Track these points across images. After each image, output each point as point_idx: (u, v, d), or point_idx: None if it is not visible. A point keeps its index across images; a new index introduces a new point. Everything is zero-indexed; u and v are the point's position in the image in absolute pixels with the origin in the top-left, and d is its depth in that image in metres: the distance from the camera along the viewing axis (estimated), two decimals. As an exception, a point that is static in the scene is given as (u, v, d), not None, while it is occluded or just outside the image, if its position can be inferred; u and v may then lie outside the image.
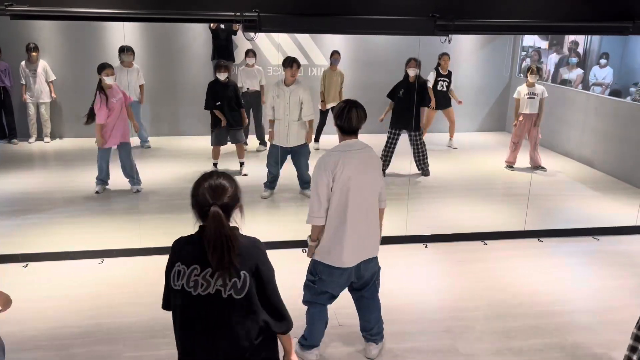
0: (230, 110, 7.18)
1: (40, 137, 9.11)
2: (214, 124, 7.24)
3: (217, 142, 7.34)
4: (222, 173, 2.29)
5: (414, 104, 7.04)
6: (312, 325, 3.56)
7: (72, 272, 4.77)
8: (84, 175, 6.76)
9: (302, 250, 5.14)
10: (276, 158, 6.45)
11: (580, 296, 4.55)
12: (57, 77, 9.07)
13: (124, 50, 8.28)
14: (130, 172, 6.64)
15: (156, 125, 9.38)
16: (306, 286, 3.54)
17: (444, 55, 8.78)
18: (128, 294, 4.42)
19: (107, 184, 6.75)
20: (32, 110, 8.94)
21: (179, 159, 8.32)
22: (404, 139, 7.61)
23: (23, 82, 8.81)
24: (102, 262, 4.96)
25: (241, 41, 9.34)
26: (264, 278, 2.24)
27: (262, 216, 6.11)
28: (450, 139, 9.37)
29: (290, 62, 6.25)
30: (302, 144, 6.40)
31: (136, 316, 4.10)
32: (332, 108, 8.66)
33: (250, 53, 8.55)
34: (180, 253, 2.25)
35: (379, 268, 3.59)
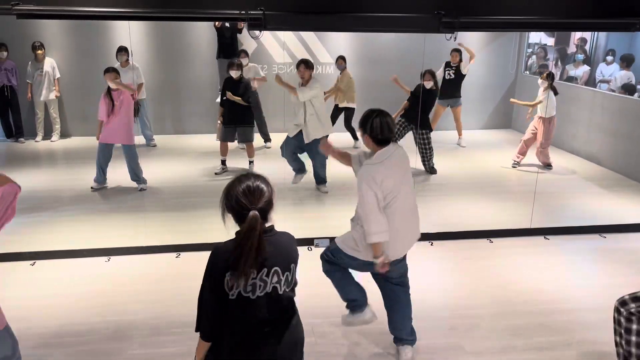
0: (237, 106, 7.18)
1: (47, 136, 9.15)
2: (224, 115, 7.28)
3: (224, 137, 7.35)
4: (259, 175, 2.25)
5: (422, 106, 7.23)
6: (343, 287, 3.56)
7: (79, 270, 4.80)
8: (91, 174, 6.78)
9: (308, 248, 5.16)
10: (291, 151, 6.54)
11: (586, 294, 4.53)
12: (63, 76, 9.11)
13: (120, 51, 8.38)
14: (136, 174, 6.68)
15: (160, 123, 9.41)
16: (324, 259, 3.58)
17: (453, 52, 8.78)
18: (134, 292, 4.44)
19: (104, 183, 6.79)
20: (39, 109, 8.99)
21: (183, 157, 8.34)
22: (408, 137, 7.61)
23: (30, 81, 8.85)
24: (108, 259, 4.99)
25: (246, 39, 9.34)
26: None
27: (286, 214, 6.11)
28: (459, 137, 9.34)
29: (297, 64, 6.44)
30: (317, 139, 6.45)
31: (142, 313, 4.12)
32: (346, 109, 8.66)
33: (242, 53, 8.52)
34: (228, 262, 2.13)
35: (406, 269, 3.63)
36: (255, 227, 2.09)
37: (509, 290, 4.57)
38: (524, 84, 10.32)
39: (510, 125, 10.55)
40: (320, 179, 6.75)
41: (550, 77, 7.60)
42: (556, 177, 7.68)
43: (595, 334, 3.96)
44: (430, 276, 4.81)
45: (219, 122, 7.31)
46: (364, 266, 3.42)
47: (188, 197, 6.64)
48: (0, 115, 8.91)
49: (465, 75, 8.96)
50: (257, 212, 2.11)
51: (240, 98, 7.10)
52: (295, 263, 2.28)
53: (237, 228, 2.18)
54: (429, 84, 7.35)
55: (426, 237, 5.50)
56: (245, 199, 2.13)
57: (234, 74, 7.13)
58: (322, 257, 3.58)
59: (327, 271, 3.57)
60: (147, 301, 4.29)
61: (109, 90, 6.40)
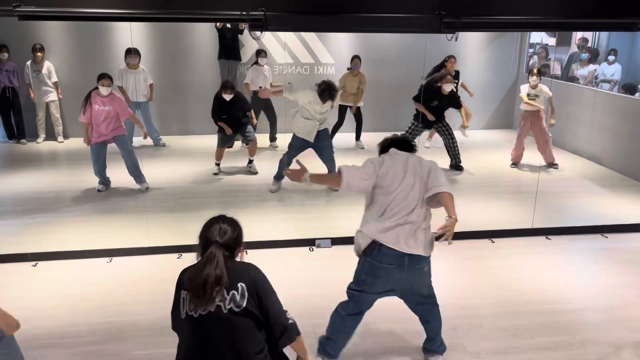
0: (237, 124, 7.29)
1: (48, 137, 9.17)
2: (220, 129, 7.32)
3: (222, 143, 7.41)
4: (229, 218, 2.50)
5: (442, 114, 7.40)
6: (339, 331, 3.45)
7: (81, 271, 4.81)
8: (92, 175, 6.79)
9: (309, 249, 5.15)
10: (299, 150, 6.57)
11: (588, 294, 4.52)
12: (64, 78, 9.12)
13: (130, 53, 8.35)
14: (134, 170, 6.68)
15: (163, 124, 9.42)
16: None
17: (450, 58, 8.70)
18: (136, 293, 4.44)
19: (107, 183, 6.80)
20: (41, 110, 9.01)
21: (185, 157, 8.35)
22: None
23: (28, 81, 8.87)
24: (110, 260, 4.99)
25: (247, 40, 9.35)
26: (260, 292, 2.33)
27: (270, 215, 6.12)
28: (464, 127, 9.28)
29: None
30: (325, 138, 6.62)
31: (144, 314, 4.13)
32: (351, 108, 8.67)
33: (262, 53, 8.57)
34: (182, 281, 2.36)
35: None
36: (215, 254, 2.28)
37: (511, 290, 4.56)
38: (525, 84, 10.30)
39: (511, 125, 10.54)
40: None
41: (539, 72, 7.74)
42: (558, 177, 7.67)
43: (597, 334, 3.95)
44: (432, 276, 4.80)
45: (219, 124, 7.32)
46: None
47: (190, 197, 6.65)
48: (1, 116, 8.93)
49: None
50: (219, 247, 2.32)
51: (226, 126, 7.19)
52: (249, 285, 2.30)
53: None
54: (449, 87, 7.33)
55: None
56: (213, 234, 2.39)
57: (227, 97, 7.15)
58: (348, 294, 3.43)
59: (344, 315, 3.41)
60: (149, 302, 4.29)
61: (92, 92, 6.34)
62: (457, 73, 8.87)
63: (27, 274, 4.76)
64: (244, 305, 2.24)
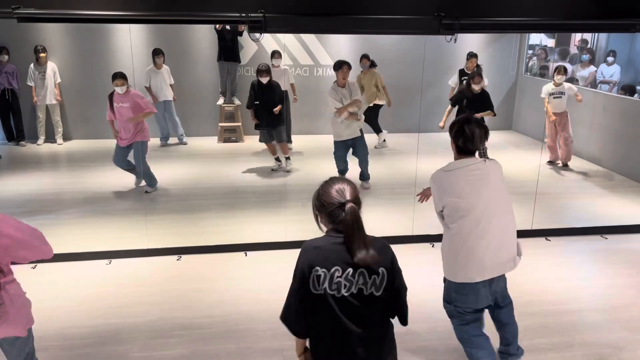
0: (269, 113, 7.30)
1: (48, 139, 9.17)
2: (256, 125, 7.44)
3: (265, 140, 7.52)
4: (344, 178, 2.36)
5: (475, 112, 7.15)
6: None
7: (81, 273, 4.80)
8: (92, 177, 6.80)
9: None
10: (342, 152, 6.73)
11: (588, 295, 4.52)
12: (65, 79, 9.13)
13: (157, 53, 8.63)
14: (140, 171, 6.70)
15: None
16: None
17: (472, 58, 8.63)
18: (136, 294, 4.44)
19: (136, 176, 6.87)
20: (41, 112, 9.01)
21: (185, 159, 8.35)
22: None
23: (31, 84, 8.87)
24: (109, 262, 4.99)
25: (247, 42, 9.36)
26: (396, 276, 2.35)
27: (272, 216, 6.12)
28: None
29: (340, 65, 6.49)
30: (359, 136, 6.69)
31: (144, 316, 4.12)
32: (369, 107, 8.68)
33: (276, 54, 8.60)
34: (317, 258, 2.23)
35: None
36: (358, 216, 2.20)
37: (511, 291, 4.53)
38: (524, 85, 10.32)
39: (511, 126, 10.55)
40: (365, 175, 6.94)
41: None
42: (557, 178, 7.68)
43: (597, 335, 3.95)
44: (432, 277, 4.80)
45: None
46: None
47: (189, 199, 6.65)
48: (1, 118, 8.93)
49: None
50: (353, 204, 2.21)
51: (254, 115, 7.26)
52: (388, 268, 2.29)
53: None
54: (478, 87, 7.07)
55: (427, 238, 5.50)
56: (338, 196, 2.24)
57: (264, 80, 7.19)
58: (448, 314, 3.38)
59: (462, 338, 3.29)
60: (149, 304, 4.29)
61: (112, 93, 6.39)
62: (479, 67, 8.64)
63: (26, 276, 4.73)
64: (382, 289, 2.27)
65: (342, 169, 6.84)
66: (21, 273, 4.75)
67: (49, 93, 8.92)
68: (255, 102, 7.25)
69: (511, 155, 8.23)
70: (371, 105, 8.68)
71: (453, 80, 8.87)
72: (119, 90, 6.31)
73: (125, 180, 6.84)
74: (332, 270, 2.20)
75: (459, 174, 3.13)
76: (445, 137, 9.68)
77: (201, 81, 9.54)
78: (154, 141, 8.88)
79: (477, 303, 3.22)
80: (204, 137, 9.41)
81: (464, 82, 7.35)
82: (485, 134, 3.16)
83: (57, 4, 4.18)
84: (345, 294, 2.20)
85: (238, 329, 3.94)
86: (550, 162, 8.14)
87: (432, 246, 5.39)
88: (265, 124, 7.36)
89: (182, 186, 7.10)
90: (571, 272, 4.94)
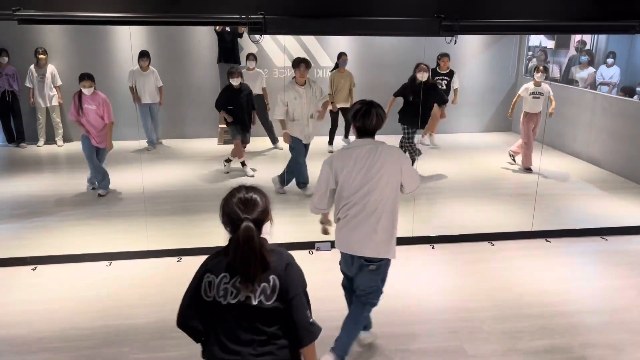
0: (243, 114, 7.29)
1: (48, 141, 9.17)
2: (230, 123, 7.35)
3: (237, 134, 7.38)
4: (252, 187, 2.26)
5: (420, 106, 7.02)
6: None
7: (81, 275, 4.80)
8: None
9: (309, 252, 5.15)
10: (302, 152, 6.56)
11: (588, 296, 4.52)
12: (65, 81, 9.13)
13: (143, 56, 8.52)
14: (96, 173, 6.68)
15: (162, 128, 9.42)
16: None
17: (443, 57, 8.70)
18: (136, 296, 4.44)
19: (95, 183, 6.82)
20: (41, 114, 9.01)
21: (184, 161, 8.35)
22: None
23: (30, 85, 8.88)
24: (110, 264, 4.99)
25: (247, 44, 9.37)
26: (291, 289, 2.18)
27: (287, 217, 6.11)
28: (429, 134, 9.21)
29: (297, 63, 6.31)
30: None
31: (144, 318, 4.12)
32: (342, 109, 8.70)
33: (250, 57, 8.60)
34: (209, 265, 2.21)
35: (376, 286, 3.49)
36: (252, 235, 2.09)
37: (511, 293, 4.56)
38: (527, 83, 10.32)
39: (510, 128, 10.55)
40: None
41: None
42: (557, 179, 7.68)
43: (597, 336, 3.95)
44: (432, 279, 4.81)
45: (220, 126, 7.35)
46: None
47: (189, 201, 6.65)
48: (1, 120, 8.93)
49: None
50: (250, 223, 2.11)
51: (227, 115, 7.20)
52: (281, 276, 2.16)
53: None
54: (422, 76, 6.98)
55: (427, 240, 5.50)
56: (238, 209, 2.14)
57: (235, 82, 7.15)
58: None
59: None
60: (149, 305, 4.29)
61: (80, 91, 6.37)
62: (451, 72, 8.83)
63: (26, 277, 4.76)
64: (274, 299, 2.14)
65: (303, 171, 6.65)
66: (21, 275, 4.78)
67: (49, 95, 8.93)
68: (229, 107, 7.20)
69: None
70: (342, 107, 8.68)
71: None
72: (87, 91, 6.32)
73: (126, 181, 6.83)
74: (221, 276, 2.14)
75: (352, 152, 3.32)
76: (444, 138, 9.71)
77: (201, 83, 9.54)
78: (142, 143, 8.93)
79: (344, 267, 3.63)
80: (204, 139, 9.41)
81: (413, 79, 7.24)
82: (381, 118, 3.30)
83: (57, 6, 4.19)
84: (232, 302, 2.12)
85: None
86: (513, 161, 8.06)
87: (432, 248, 5.39)
88: (238, 122, 7.31)
89: (182, 188, 7.10)
90: (571, 273, 4.94)
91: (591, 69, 8.73)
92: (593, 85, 8.59)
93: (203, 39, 9.45)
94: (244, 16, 4.23)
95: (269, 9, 4.27)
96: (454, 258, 5.19)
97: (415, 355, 3.71)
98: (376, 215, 3.32)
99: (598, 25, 4.93)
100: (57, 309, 4.23)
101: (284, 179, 6.74)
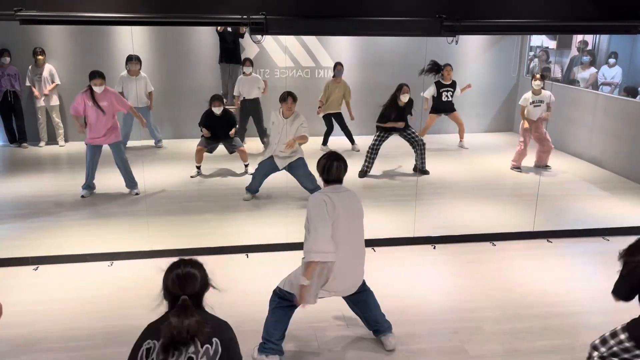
0: (224, 139, 7.45)
1: (50, 141, 9.18)
2: (206, 142, 7.49)
3: (205, 143, 7.46)
4: (190, 260, 2.35)
5: (405, 123, 7.35)
6: (278, 325, 3.60)
7: (82, 275, 4.81)
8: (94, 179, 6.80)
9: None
10: (265, 170, 6.51)
11: (590, 297, 4.51)
12: (67, 81, 9.14)
13: (131, 59, 8.40)
14: (125, 175, 6.72)
15: (163, 128, 9.43)
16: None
17: (446, 67, 8.72)
18: (137, 296, 4.44)
19: (92, 188, 6.80)
20: (41, 114, 9.02)
21: (186, 161, 8.34)
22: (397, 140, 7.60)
23: (31, 85, 8.89)
24: (111, 264, 4.99)
25: (248, 44, 9.37)
26: (232, 355, 2.24)
27: (270, 217, 6.12)
28: (460, 140, 9.33)
29: (284, 97, 6.21)
30: (296, 159, 6.37)
31: (146, 318, 4.08)
32: (334, 115, 8.75)
33: (247, 62, 8.60)
34: (148, 331, 2.28)
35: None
36: (187, 313, 2.14)
37: (512, 293, 4.56)
38: (525, 87, 10.30)
39: (512, 128, 10.54)
40: (313, 189, 6.53)
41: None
42: (559, 179, 7.67)
43: (598, 337, 3.94)
44: (433, 279, 4.80)
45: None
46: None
47: (191, 201, 6.65)
48: (3, 120, 8.95)
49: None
50: (186, 297, 2.17)
51: (207, 132, 7.28)
52: (224, 340, 2.21)
53: None
54: (405, 97, 7.23)
55: (429, 240, 5.50)
56: (176, 286, 2.22)
57: (217, 110, 7.25)
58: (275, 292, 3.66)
59: (274, 308, 3.60)
60: (150, 306, 4.27)
61: (91, 88, 6.36)
62: (454, 83, 8.87)
63: (28, 277, 4.76)
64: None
65: (256, 188, 6.64)
66: (22, 275, 4.78)
67: (46, 95, 8.92)
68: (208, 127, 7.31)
69: (512, 157, 8.21)
70: (334, 112, 8.74)
71: (429, 92, 8.78)
72: (97, 89, 6.32)
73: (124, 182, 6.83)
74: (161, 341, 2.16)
75: (337, 195, 3.43)
76: (446, 138, 9.70)
77: (202, 83, 9.54)
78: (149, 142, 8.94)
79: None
80: (205, 139, 9.41)
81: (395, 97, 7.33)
82: (344, 167, 3.50)
83: (59, 6, 4.20)
84: None
85: (240, 331, 3.92)
86: (517, 168, 7.99)
87: (434, 248, 5.39)
88: (216, 141, 7.44)
89: (183, 188, 7.10)
90: (573, 273, 4.93)
91: (593, 69, 8.72)
92: (595, 85, 8.58)
93: (205, 40, 9.45)
94: (245, 16, 4.23)
95: (271, 9, 4.27)
96: (455, 258, 5.18)
97: (416, 356, 3.71)
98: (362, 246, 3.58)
99: (600, 25, 4.93)
100: (59, 309, 4.24)
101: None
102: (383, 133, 7.42)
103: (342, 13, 4.47)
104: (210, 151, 7.62)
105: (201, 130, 7.41)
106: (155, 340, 2.19)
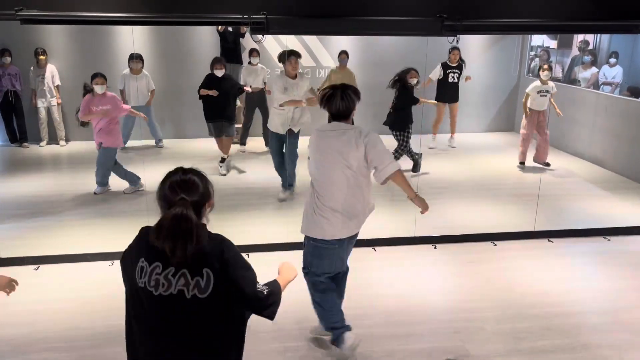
0: (224, 103, 7.23)
1: (51, 141, 9.19)
2: (207, 116, 7.31)
3: (218, 132, 7.33)
4: (191, 169, 2.15)
5: (400, 106, 7.27)
6: (334, 310, 3.56)
7: (83, 274, 4.81)
8: (94, 178, 6.79)
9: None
10: (276, 145, 6.48)
11: (590, 296, 4.51)
12: (68, 81, 9.13)
13: (133, 58, 8.41)
14: (124, 177, 6.75)
15: (164, 127, 9.42)
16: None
17: (454, 50, 8.77)
18: (138, 296, 4.44)
19: (105, 185, 6.82)
20: (42, 114, 9.02)
21: (186, 161, 8.24)
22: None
23: (33, 87, 8.90)
24: (112, 264, 4.99)
25: (249, 43, 9.36)
26: (232, 275, 2.02)
27: (271, 217, 6.12)
28: (451, 136, 9.26)
29: (287, 56, 6.20)
30: (295, 133, 6.43)
31: (146, 318, 4.12)
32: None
33: (254, 52, 8.62)
34: (144, 246, 2.09)
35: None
36: (187, 211, 1.97)
37: (513, 293, 4.55)
38: (526, 86, 10.28)
39: (513, 127, 10.53)
40: (290, 177, 6.61)
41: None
42: (560, 179, 7.67)
43: (600, 337, 3.94)
44: (434, 279, 4.80)
45: (236, 126, 7.34)
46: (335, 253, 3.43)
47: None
48: (4, 120, 8.95)
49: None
50: (186, 200, 2.00)
51: (208, 91, 7.11)
52: (217, 269, 1.99)
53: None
54: (414, 81, 7.23)
55: (429, 240, 5.49)
56: (175, 189, 2.05)
57: (219, 73, 7.16)
58: (311, 282, 3.55)
59: (321, 298, 3.52)
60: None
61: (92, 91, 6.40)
62: (460, 65, 8.90)
63: (28, 277, 4.76)
64: (209, 292, 1.97)
65: (278, 162, 6.52)
66: (23, 274, 4.77)
67: (48, 95, 8.94)
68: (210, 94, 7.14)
69: (513, 156, 8.21)
70: None
71: (435, 74, 8.86)
72: (99, 89, 6.36)
73: (127, 182, 6.82)
74: (153, 265, 2.01)
75: (319, 136, 3.43)
76: (446, 138, 9.70)
77: (203, 83, 9.54)
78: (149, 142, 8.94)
79: (337, 260, 3.53)
80: (205, 139, 9.38)
81: (395, 82, 7.32)
82: (350, 100, 3.36)
83: (60, 6, 4.19)
84: (164, 294, 1.97)
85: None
86: (522, 164, 8.03)
87: (434, 248, 5.38)
88: (217, 116, 7.25)
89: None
90: (574, 273, 4.93)
91: (594, 69, 8.71)
92: (596, 85, 8.57)
93: (205, 39, 9.45)
94: (246, 16, 4.22)
95: (271, 8, 4.26)
96: (456, 258, 5.18)
97: (417, 356, 3.70)
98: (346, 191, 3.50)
99: (601, 25, 4.92)
100: (59, 309, 4.24)
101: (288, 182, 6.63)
102: (400, 132, 7.30)
103: (343, 13, 4.47)
104: (228, 135, 7.35)
105: (199, 93, 7.21)
106: (147, 263, 2.04)
